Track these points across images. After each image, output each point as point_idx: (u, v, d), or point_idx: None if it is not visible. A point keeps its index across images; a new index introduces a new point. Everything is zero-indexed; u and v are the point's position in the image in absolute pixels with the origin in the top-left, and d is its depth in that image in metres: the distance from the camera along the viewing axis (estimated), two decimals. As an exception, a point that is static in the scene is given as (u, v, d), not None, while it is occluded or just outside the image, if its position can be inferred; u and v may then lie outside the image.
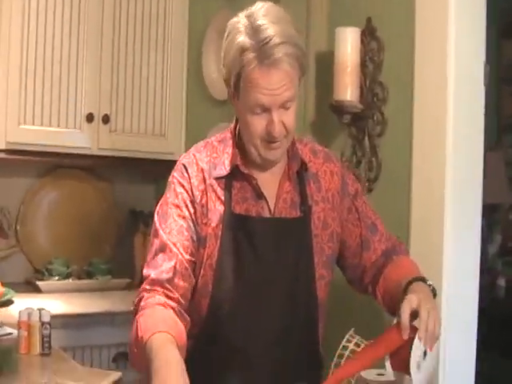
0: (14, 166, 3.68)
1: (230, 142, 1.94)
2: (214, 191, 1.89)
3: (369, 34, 2.59)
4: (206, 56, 3.61)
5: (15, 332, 2.56)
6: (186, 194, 1.88)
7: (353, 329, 1.82)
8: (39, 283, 3.56)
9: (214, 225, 1.87)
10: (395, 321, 1.71)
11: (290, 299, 1.90)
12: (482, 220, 2.43)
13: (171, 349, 1.60)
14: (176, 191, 1.89)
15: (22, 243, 3.78)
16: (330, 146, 2.55)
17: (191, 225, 1.87)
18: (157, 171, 3.90)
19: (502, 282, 4.64)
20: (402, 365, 1.67)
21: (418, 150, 2.37)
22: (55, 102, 3.47)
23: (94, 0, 3.55)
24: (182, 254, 1.84)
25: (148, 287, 1.82)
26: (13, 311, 2.68)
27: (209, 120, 3.51)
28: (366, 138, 2.58)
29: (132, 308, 1.84)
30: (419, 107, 2.39)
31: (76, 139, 3.53)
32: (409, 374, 1.66)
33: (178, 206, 1.87)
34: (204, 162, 1.92)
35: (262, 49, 1.72)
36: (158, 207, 1.92)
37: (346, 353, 1.79)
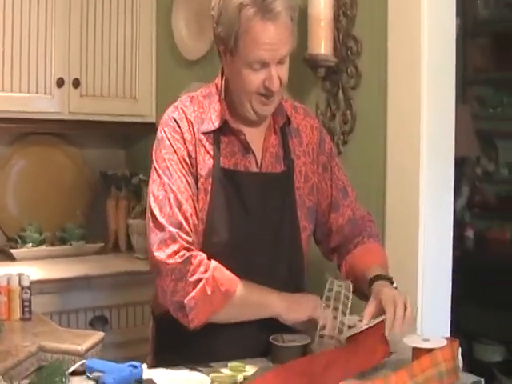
0: (-17, 133, 3.64)
1: (216, 97, 1.96)
2: (203, 146, 1.91)
3: (341, -12, 2.60)
4: (176, 15, 3.59)
5: (-6, 298, 2.56)
6: (182, 149, 1.90)
7: (329, 277, 1.84)
8: (13, 251, 3.54)
9: (203, 179, 1.90)
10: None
11: (277, 251, 1.95)
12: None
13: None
14: (173, 147, 1.90)
15: (-6, 211, 3.75)
16: (304, 101, 2.57)
17: (192, 180, 1.90)
18: (128, 134, 3.89)
19: (470, 233, 4.74)
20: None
21: (393, 102, 2.40)
22: (24, 67, 3.43)
23: (62, -36, 3.50)
24: (193, 212, 1.87)
25: (186, 245, 1.83)
26: (-11, 278, 2.67)
27: (180, 81, 3.50)
28: (340, 92, 2.61)
29: (166, 261, 1.82)
30: (393, 60, 2.41)
31: (47, 104, 3.50)
32: None
33: (178, 162, 1.89)
34: (192, 116, 1.94)
35: (263, 4, 1.75)
36: (154, 161, 1.92)
37: (332, 294, 1.81)
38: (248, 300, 1.84)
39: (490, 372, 3.92)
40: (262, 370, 1.74)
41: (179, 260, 1.80)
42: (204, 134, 1.92)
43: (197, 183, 1.90)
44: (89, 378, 1.72)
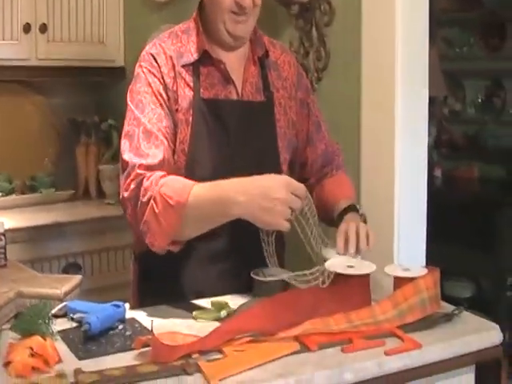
0: None
1: (195, 31, 1.96)
2: (183, 78, 1.90)
3: None
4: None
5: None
6: (158, 82, 1.88)
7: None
8: (-18, 200, 3.50)
9: (184, 111, 1.89)
10: None
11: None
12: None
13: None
14: (148, 80, 1.89)
15: (-39, 162, 3.70)
16: (278, 38, 2.51)
17: (168, 112, 1.88)
18: (97, 79, 3.84)
19: (438, 173, 4.78)
20: None
21: (367, 38, 2.38)
22: (-10, 13, 3.35)
23: None
24: (166, 141, 1.85)
25: (141, 171, 1.78)
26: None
27: (149, 24, 3.45)
28: (314, 29, 2.58)
29: (124, 195, 1.80)
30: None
31: (13, 51, 3.43)
32: None
33: (152, 94, 1.87)
34: (171, 50, 1.92)
35: None
36: (128, 98, 1.90)
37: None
38: (204, 207, 1.72)
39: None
40: (246, 304, 1.75)
41: (133, 186, 1.78)
42: (183, 66, 1.91)
43: (174, 116, 1.88)
44: (72, 319, 1.72)
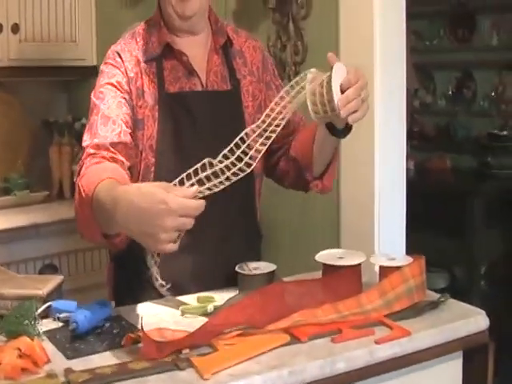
0: None
1: (156, 26, 1.97)
2: (148, 75, 1.91)
3: None
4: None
5: None
6: (121, 75, 1.89)
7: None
8: (-44, 204, 3.45)
9: (150, 107, 1.89)
10: None
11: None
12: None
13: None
14: (110, 73, 1.89)
15: None
16: (254, 33, 2.53)
17: (129, 103, 1.87)
18: (69, 79, 3.81)
19: (410, 164, 4.80)
20: None
21: (345, 31, 2.38)
22: (-40, 13, 3.30)
23: None
24: (124, 125, 1.83)
25: (92, 151, 1.78)
26: None
27: (121, 22, 3.40)
28: (291, 22, 2.58)
29: (74, 180, 1.78)
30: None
31: (-15, 52, 3.37)
32: None
33: (114, 85, 1.87)
34: (135, 48, 1.93)
35: None
36: (92, 93, 1.90)
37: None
38: (100, 210, 1.57)
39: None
40: (233, 298, 1.74)
41: (77, 175, 1.76)
42: (147, 62, 1.91)
43: (135, 110, 1.87)
44: (58, 318, 1.70)
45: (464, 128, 5.03)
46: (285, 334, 1.53)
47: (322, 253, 1.82)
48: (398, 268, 1.70)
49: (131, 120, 1.87)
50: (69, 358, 1.48)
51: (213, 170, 1.58)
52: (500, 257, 4.41)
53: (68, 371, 1.38)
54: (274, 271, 1.84)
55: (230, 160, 1.59)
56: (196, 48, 1.97)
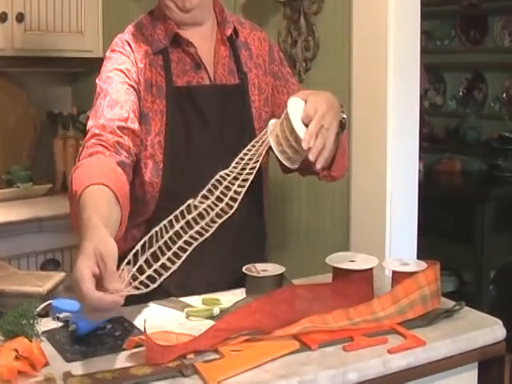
0: None
1: (160, 18, 1.90)
2: (155, 67, 1.85)
3: None
4: None
5: None
6: (130, 64, 1.83)
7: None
8: (-42, 196, 3.40)
9: (158, 100, 1.84)
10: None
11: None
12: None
13: (97, 213, 1.45)
14: (120, 60, 1.83)
15: None
16: (265, 28, 2.46)
17: (137, 93, 1.82)
18: (74, 70, 3.75)
19: (420, 166, 4.72)
20: None
21: (358, 27, 2.33)
22: (-37, 1, 3.24)
23: None
24: (132, 112, 1.78)
25: (97, 131, 1.73)
26: None
27: (127, 14, 3.36)
28: (302, 18, 2.52)
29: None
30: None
31: (-12, 41, 3.31)
32: None
33: (122, 72, 1.81)
34: (143, 40, 1.88)
35: None
36: (97, 78, 1.84)
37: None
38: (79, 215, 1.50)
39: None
40: (241, 301, 1.68)
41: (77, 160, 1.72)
42: (155, 54, 1.86)
43: (149, 106, 1.82)
44: (58, 318, 1.64)
45: (474, 130, 4.95)
46: (294, 340, 1.47)
47: (333, 255, 1.76)
48: (411, 274, 1.63)
49: (138, 111, 1.81)
50: (68, 360, 1.41)
51: (197, 211, 1.52)
52: (510, 262, 4.35)
53: (67, 375, 1.32)
54: (282, 273, 1.78)
55: (211, 200, 1.55)
56: (202, 40, 1.91)
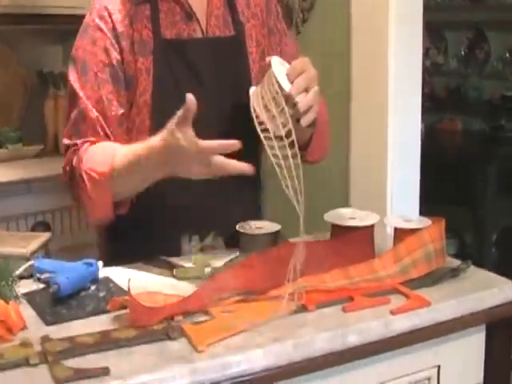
0: None
1: None
2: (140, 20, 1.71)
3: None
4: None
5: None
6: (105, 37, 1.69)
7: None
8: None
9: (143, 58, 1.70)
10: None
11: (232, 123, 1.74)
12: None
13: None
14: (95, 36, 1.69)
15: None
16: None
17: (117, 70, 1.69)
18: (65, 28, 3.61)
19: (421, 127, 4.63)
20: None
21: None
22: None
23: None
24: (105, 115, 1.68)
25: (77, 148, 1.67)
26: None
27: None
28: (299, -35, 2.40)
29: (64, 176, 1.70)
30: None
31: (-25, -1, 3.18)
32: None
33: (97, 53, 1.68)
34: None
35: None
36: (72, 51, 1.73)
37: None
38: (128, 172, 1.59)
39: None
40: (234, 260, 1.59)
41: (67, 169, 1.67)
42: (139, 4, 1.71)
43: (134, 67, 1.70)
44: (39, 279, 1.54)
45: (476, 90, 4.85)
46: (290, 301, 1.37)
47: (331, 212, 1.66)
48: (415, 231, 1.53)
49: (119, 94, 1.69)
50: (48, 323, 1.32)
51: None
52: (512, 224, 4.27)
53: (45, 339, 1.22)
54: (278, 231, 1.68)
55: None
56: None
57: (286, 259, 1.42)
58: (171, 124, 1.47)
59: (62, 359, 1.16)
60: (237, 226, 1.68)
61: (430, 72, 5.04)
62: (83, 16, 1.76)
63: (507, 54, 4.78)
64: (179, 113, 1.45)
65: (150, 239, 1.74)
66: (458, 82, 4.98)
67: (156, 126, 1.67)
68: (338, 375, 1.30)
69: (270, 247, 1.58)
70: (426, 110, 4.73)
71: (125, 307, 1.34)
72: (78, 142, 1.66)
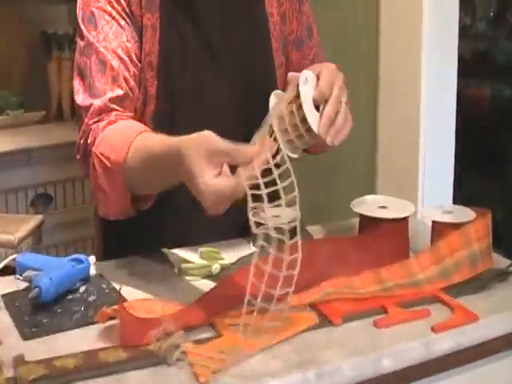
0: None
1: None
2: None
3: None
4: None
5: None
6: None
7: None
8: None
9: (149, 14, 1.48)
10: None
11: (246, 93, 1.54)
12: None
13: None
14: None
15: None
16: None
17: (128, 22, 1.47)
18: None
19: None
20: None
21: None
22: None
23: None
24: (126, 66, 1.45)
25: (96, 119, 1.42)
26: None
27: None
28: None
29: (77, 152, 1.47)
30: None
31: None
32: None
33: (106, 3, 1.46)
34: None
35: None
36: (77, 9, 1.51)
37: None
38: (143, 168, 1.33)
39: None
40: (247, 258, 1.37)
41: (82, 142, 1.44)
42: None
43: (140, 22, 1.48)
44: (19, 278, 1.34)
45: (506, 54, 4.65)
46: (311, 312, 1.16)
47: (359, 200, 1.44)
48: (457, 226, 1.31)
49: (135, 46, 1.47)
50: (25, 338, 1.12)
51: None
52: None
53: (18, 361, 1.02)
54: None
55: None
56: None
57: (308, 258, 1.20)
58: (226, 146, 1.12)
59: (36, 390, 0.95)
60: (249, 214, 1.46)
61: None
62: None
63: (540, 17, 4.58)
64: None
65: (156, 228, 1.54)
66: (487, 45, 4.77)
67: (162, 92, 1.49)
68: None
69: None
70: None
71: (115, 317, 1.13)
72: (95, 102, 1.43)
